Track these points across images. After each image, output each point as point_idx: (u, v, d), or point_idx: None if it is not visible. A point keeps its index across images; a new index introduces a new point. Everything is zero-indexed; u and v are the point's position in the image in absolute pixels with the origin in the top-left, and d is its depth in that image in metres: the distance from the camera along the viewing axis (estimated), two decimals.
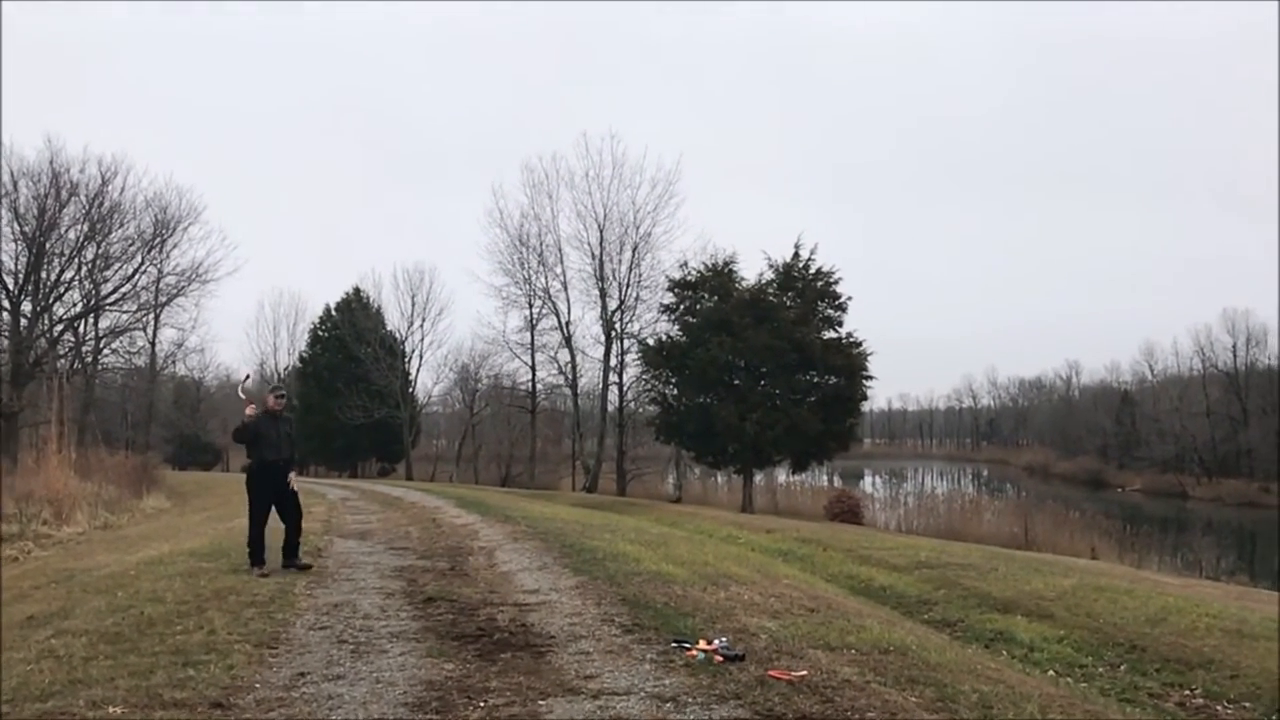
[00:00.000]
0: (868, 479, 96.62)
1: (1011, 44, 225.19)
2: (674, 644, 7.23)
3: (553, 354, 52.11)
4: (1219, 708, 7.02)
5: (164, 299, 50.23)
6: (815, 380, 38.77)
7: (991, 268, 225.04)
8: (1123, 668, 8.20)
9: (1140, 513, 72.44)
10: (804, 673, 6.58)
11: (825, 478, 66.64)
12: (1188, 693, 7.41)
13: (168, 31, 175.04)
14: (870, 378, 39.38)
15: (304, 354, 68.75)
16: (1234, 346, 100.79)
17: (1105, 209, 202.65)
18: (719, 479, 53.94)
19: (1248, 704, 7.02)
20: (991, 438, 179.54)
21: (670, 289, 41.50)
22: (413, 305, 62.10)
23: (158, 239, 46.41)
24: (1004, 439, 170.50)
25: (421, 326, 62.34)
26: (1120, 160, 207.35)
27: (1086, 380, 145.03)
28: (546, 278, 50.50)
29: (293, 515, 11.04)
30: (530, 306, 51.48)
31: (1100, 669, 8.22)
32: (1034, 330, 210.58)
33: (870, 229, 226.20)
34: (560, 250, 49.91)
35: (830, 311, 39.32)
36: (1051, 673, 8.09)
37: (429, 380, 65.74)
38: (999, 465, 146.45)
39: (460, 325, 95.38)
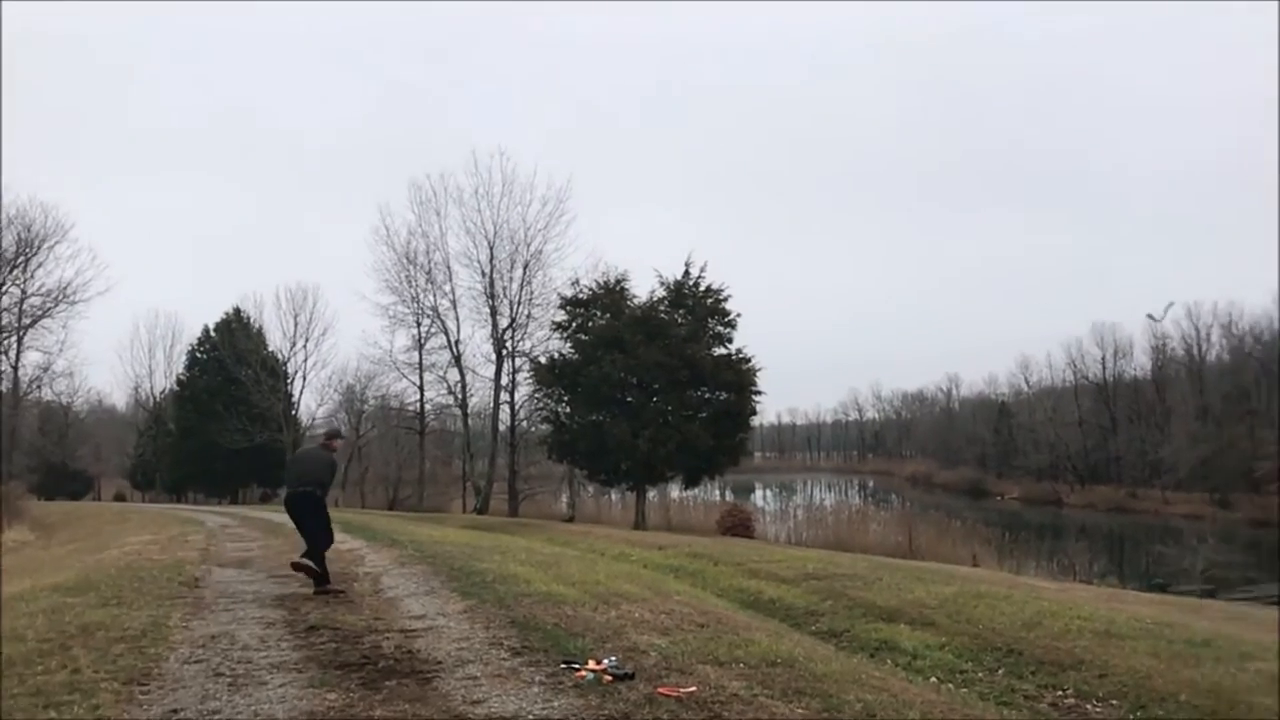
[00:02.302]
0: (759, 493, 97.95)
1: (902, 54, 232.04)
2: (563, 665, 7.19)
3: (442, 373, 51.43)
4: (1089, 706, 7.29)
5: (28, 320, 47.93)
6: (706, 396, 39.10)
7: (877, 283, 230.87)
8: (1000, 671, 8.45)
9: (1018, 520, 75.02)
10: (693, 689, 6.61)
11: (717, 492, 67.19)
12: (1060, 693, 7.68)
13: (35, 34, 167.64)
14: (760, 393, 39.95)
15: (181, 376, 66.47)
16: (1103, 359, 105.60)
17: (986, 225, 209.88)
18: (612, 497, 53.93)
19: (1115, 701, 7.31)
20: (877, 450, 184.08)
21: (562, 306, 41.42)
22: (295, 325, 60.58)
23: (20, 258, 44.29)
24: (889, 451, 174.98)
25: (305, 347, 60.88)
26: (1002, 177, 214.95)
27: (966, 393, 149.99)
28: (435, 296, 49.88)
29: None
30: (418, 325, 50.75)
31: (979, 674, 8.46)
32: (916, 344, 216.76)
33: (757, 244, 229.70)
34: (449, 268, 49.38)
35: (720, 328, 39.74)
36: (934, 679, 8.29)
37: (313, 402, 64.07)
38: (884, 476, 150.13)
39: (346, 345, 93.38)
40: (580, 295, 40.44)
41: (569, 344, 40.43)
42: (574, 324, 40.34)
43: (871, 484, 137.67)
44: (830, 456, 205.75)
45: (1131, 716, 6.99)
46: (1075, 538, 60.18)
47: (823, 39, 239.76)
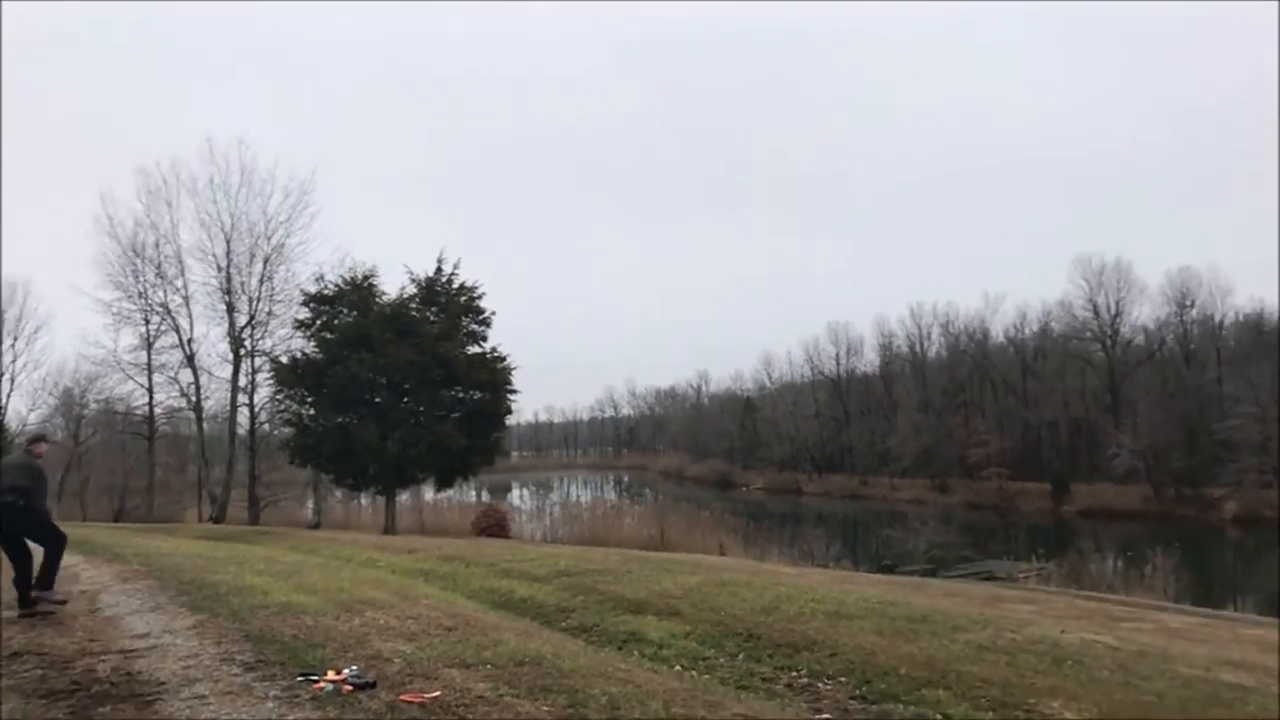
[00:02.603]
0: (516, 492, 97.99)
1: (645, 56, 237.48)
2: (300, 678, 6.86)
3: (173, 374, 47.97)
4: (820, 685, 7.68)
5: None
6: (460, 395, 38.63)
7: (632, 282, 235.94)
8: (740, 656, 8.76)
9: (762, 509, 78.86)
10: (437, 693, 6.48)
11: (473, 493, 66.69)
12: (795, 674, 8.04)
13: None
14: (515, 391, 39.90)
15: None
16: (837, 355, 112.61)
17: (734, 228, 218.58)
18: (362, 501, 52.37)
19: (843, 678, 7.74)
20: (632, 445, 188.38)
21: (305, 303, 39.70)
22: (2, 322, 54.94)
23: None
24: (643, 446, 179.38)
25: (14, 346, 55.28)
26: (746, 180, 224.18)
27: (715, 388, 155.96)
28: (165, 291, 46.53)
29: None
30: (146, 323, 47.14)
31: (721, 659, 8.73)
32: (669, 343, 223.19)
33: (515, 243, 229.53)
34: (181, 262, 46.20)
35: (474, 326, 39.37)
36: (678, 667, 8.48)
37: (23, 406, 58.34)
38: (639, 471, 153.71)
39: (62, 344, 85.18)
40: (325, 291, 38.93)
41: (313, 343, 38.83)
42: (319, 322, 38.79)
43: (627, 479, 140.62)
44: (587, 453, 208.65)
45: (857, 691, 7.40)
46: (813, 524, 63.82)
47: (570, 40, 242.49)
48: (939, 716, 6.59)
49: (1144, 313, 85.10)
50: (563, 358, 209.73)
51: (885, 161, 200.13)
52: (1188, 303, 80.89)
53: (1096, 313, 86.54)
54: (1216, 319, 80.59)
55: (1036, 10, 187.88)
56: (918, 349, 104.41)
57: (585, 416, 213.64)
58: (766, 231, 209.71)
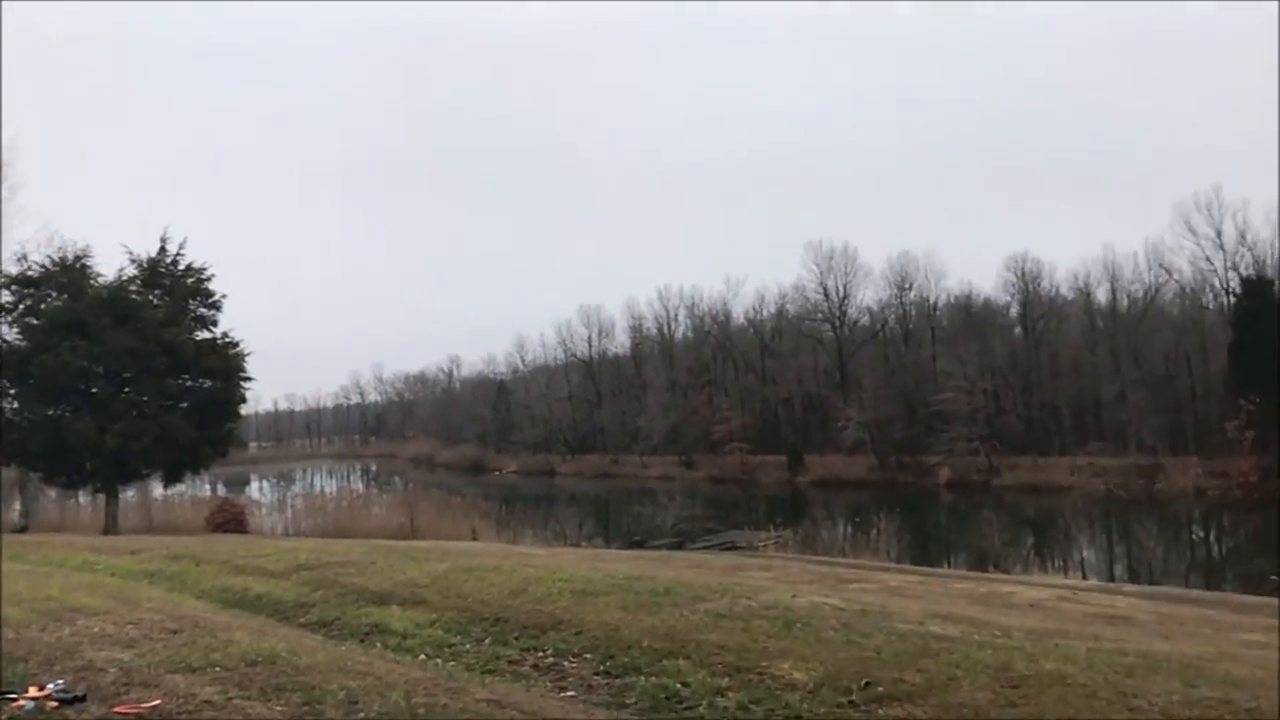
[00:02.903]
0: (254, 484, 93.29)
1: (389, 42, 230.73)
2: None
3: None
4: (565, 663, 7.73)
5: None
6: (189, 384, 36.33)
7: (377, 265, 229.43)
8: (487, 641, 8.68)
9: (516, 492, 79.04)
10: (157, 702, 6.09)
11: (208, 487, 62.96)
12: (541, 654, 8.05)
13: None
14: (250, 379, 37.98)
15: None
16: (589, 338, 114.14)
17: (483, 209, 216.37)
18: (80, 500, 48.23)
19: (588, 655, 7.82)
20: (380, 432, 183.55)
21: (6, 286, 35.93)
22: None
23: None
24: (392, 433, 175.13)
25: None
26: (498, 165, 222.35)
27: (466, 372, 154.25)
28: None
29: None
30: None
31: (467, 645, 8.62)
32: (419, 326, 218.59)
33: (244, 222, 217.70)
34: None
35: (204, 310, 37.10)
36: (422, 657, 8.31)
37: None
38: (388, 459, 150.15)
39: None
40: (30, 273, 35.38)
41: (16, 329, 35.22)
42: (22, 306, 35.25)
43: (374, 468, 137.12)
44: (332, 442, 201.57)
45: (602, 666, 7.50)
46: (566, 505, 64.62)
47: (316, 19, 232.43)
48: (678, 685, 6.76)
49: (869, 295, 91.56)
50: (305, 342, 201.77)
51: (632, 147, 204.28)
52: (907, 286, 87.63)
53: (827, 295, 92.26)
54: (931, 301, 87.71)
55: (777, 12, 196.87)
56: (665, 331, 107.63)
57: (330, 404, 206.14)
58: (516, 214, 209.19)
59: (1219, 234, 66.37)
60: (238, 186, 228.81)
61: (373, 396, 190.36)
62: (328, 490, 75.28)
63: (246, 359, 37.32)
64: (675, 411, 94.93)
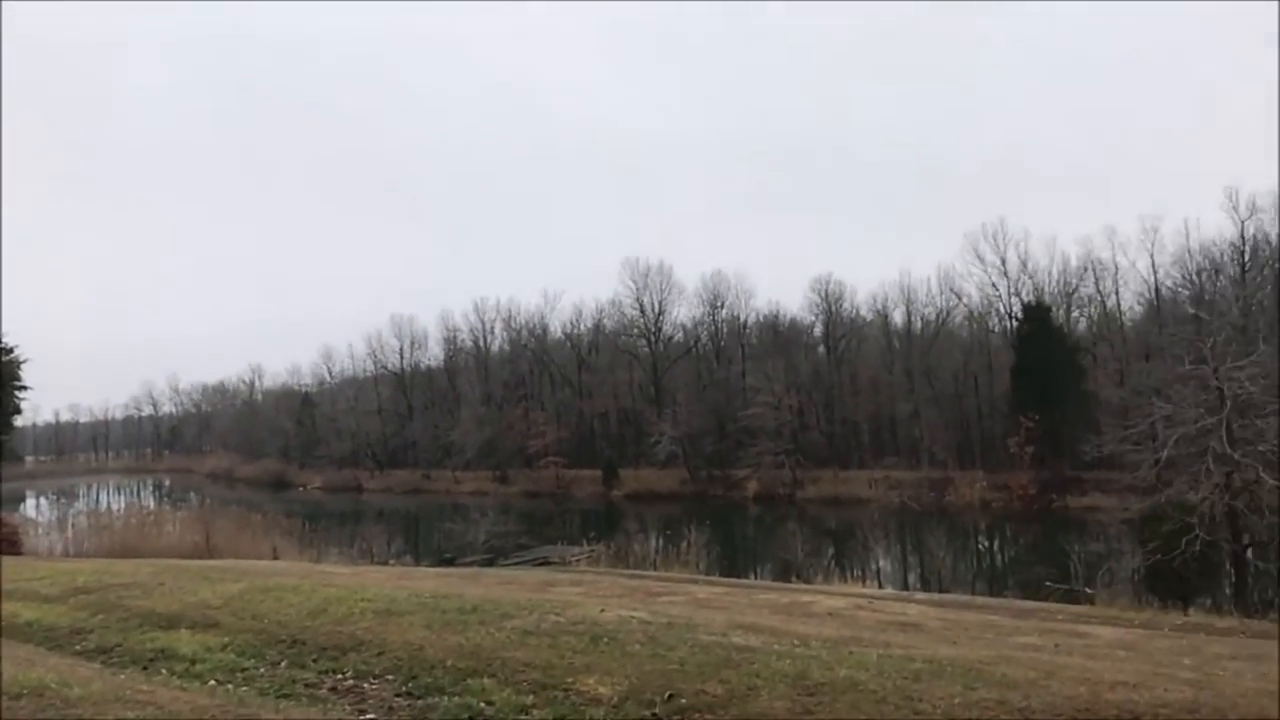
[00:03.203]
0: (31, 502, 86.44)
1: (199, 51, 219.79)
2: None
3: None
4: (366, 685, 7.47)
5: None
6: None
7: (174, 270, 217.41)
8: (283, 664, 8.30)
9: (322, 509, 76.39)
10: None
11: None
12: (340, 676, 7.76)
13: None
14: (25, 388, 35.25)
15: None
16: (401, 349, 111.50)
17: (286, 214, 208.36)
18: None
19: (390, 676, 7.59)
20: (174, 446, 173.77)
21: None
22: None
23: None
24: (188, 447, 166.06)
25: None
26: (296, 168, 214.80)
27: (270, 383, 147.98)
28: None
29: None
30: None
31: (262, 669, 8.21)
32: (218, 333, 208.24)
33: (27, 221, 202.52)
34: None
35: None
36: (212, 682, 7.86)
37: None
38: (183, 474, 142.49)
39: None
40: None
41: None
42: None
43: (168, 483, 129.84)
44: (121, 456, 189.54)
45: (404, 687, 7.29)
46: (374, 521, 62.89)
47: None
48: (482, 704, 6.65)
49: (683, 312, 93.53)
50: (93, 349, 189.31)
51: (449, 157, 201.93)
52: (719, 304, 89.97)
53: (643, 311, 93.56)
54: (742, 319, 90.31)
55: (606, 20, 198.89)
56: (481, 343, 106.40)
57: (119, 415, 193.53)
58: (324, 218, 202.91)
59: (1003, 262, 71.17)
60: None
61: (167, 408, 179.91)
62: (115, 507, 70.60)
63: (21, 366, 34.65)
64: (490, 425, 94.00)
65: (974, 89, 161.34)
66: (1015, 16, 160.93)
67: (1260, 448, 23.93)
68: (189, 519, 43.90)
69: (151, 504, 78.98)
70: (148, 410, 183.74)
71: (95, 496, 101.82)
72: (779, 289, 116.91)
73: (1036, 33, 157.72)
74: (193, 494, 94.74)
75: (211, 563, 22.94)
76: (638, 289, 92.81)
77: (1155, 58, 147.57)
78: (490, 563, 35.90)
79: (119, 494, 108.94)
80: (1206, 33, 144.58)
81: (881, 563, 48.28)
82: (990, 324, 76.67)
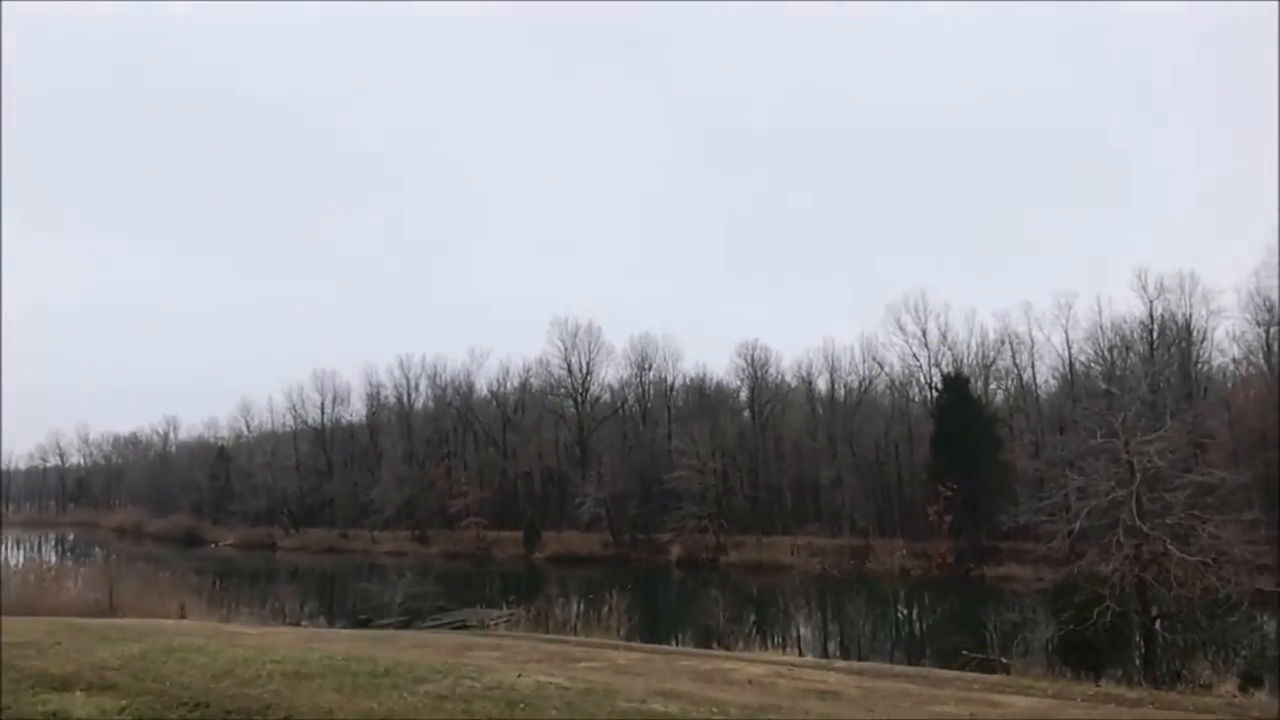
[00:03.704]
0: None
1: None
2: None
3: None
4: None
5: None
6: None
7: (83, 311, 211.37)
8: None
9: (233, 567, 74.09)
10: None
11: None
12: None
13: None
14: None
15: None
16: (322, 404, 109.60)
17: (201, 261, 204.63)
18: None
19: None
20: (80, 499, 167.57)
21: None
22: None
23: None
24: (94, 499, 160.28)
25: None
26: (216, 212, 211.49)
27: (185, 436, 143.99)
28: None
29: None
30: None
31: None
32: (132, 382, 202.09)
33: None
34: None
35: None
36: None
37: None
38: (88, 528, 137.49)
39: None
40: None
41: None
42: None
43: (72, 537, 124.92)
44: (22, 508, 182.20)
45: None
46: (288, 581, 61.20)
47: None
48: None
49: (610, 373, 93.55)
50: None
51: (375, 210, 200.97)
52: (646, 366, 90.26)
53: (570, 371, 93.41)
54: (669, 381, 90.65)
55: (535, 67, 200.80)
56: (405, 400, 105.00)
57: (22, 465, 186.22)
58: (243, 268, 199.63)
59: (924, 333, 72.79)
60: None
61: (75, 459, 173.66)
62: (13, 562, 67.64)
63: None
64: (411, 484, 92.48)
65: (898, 160, 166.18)
66: (944, 91, 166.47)
67: (1168, 520, 24.50)
68: (91, 575, 42.20)
69: (52, 559, 75.83)
70: (54, 461, 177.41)
71: None
72: (706, 352, 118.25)
73: (960, 107, 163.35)
74: (98, 549, 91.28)
75: (113, 621, 22.07)
76: (566, 349, 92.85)
77: (1065, 142, 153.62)
78: (406, 625, 35.00)
79: (18, 548, 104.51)
80: (1118, 116, 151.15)
81: (802, 629, 48.27)
82: (911, 393, 78.08)
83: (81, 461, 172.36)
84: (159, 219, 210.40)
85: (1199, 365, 63.86)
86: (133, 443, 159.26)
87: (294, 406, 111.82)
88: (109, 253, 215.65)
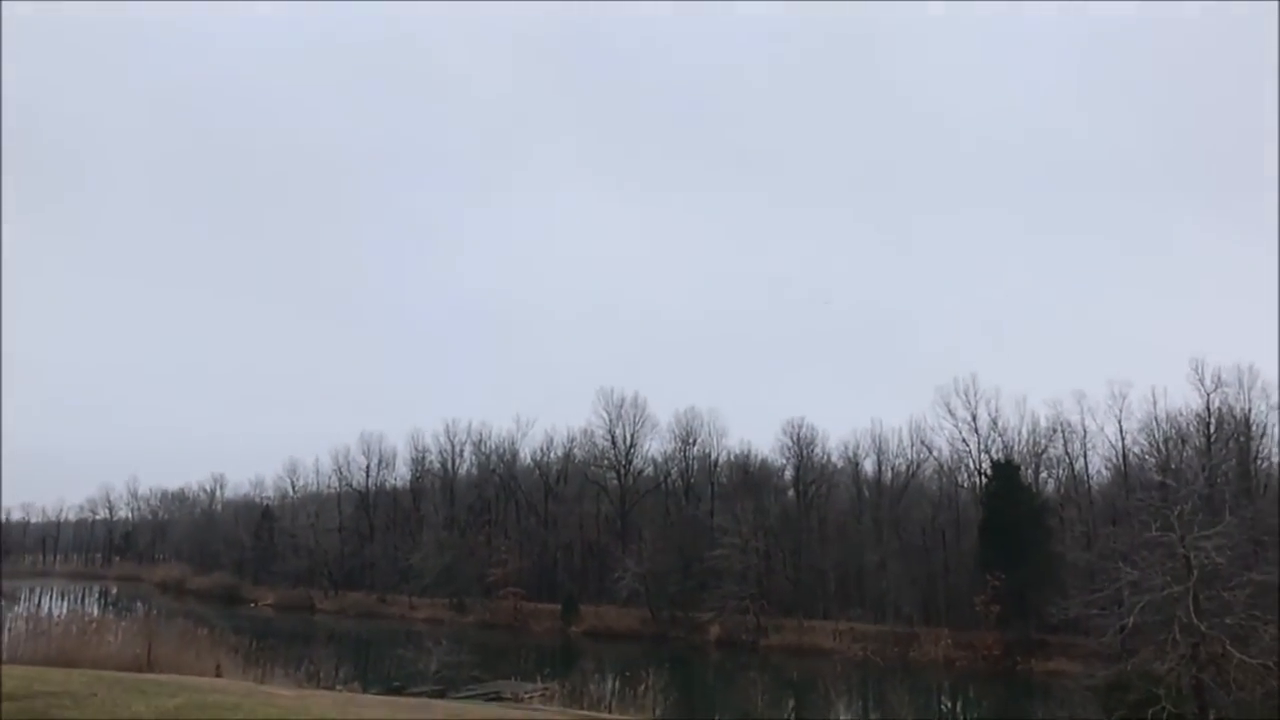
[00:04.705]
0: None
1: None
2: None
3: None
4: None
5: None
6: None
7: (139, 369, 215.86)
8: None
9: (270, 627, 74.10)
10: None
11: None
12: None
13: None
14: None
15: None
16: (368, 467, 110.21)
17: (265, 321, 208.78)
18: None
19: None
20: (126, 552, 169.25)
21: None
22: None
23: None
24: (139, 554, 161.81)
25: None
26: (282, 276, 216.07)
27: (231, 494, 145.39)
28: None
29: None
30: None
31: None
32: (183, 441, 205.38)
33: None
34: None
35: None
36: None
37: None
38: (132, 582, 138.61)
39: None
40: None
41: None
42: None
43: (115, 590, 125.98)
44: (70, 559, 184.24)
45: None
46: (325, 643, 61.03)
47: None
48: None
49: (654, 446, 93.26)
50: (49, 448, 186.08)
51: (430, 278, 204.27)
52: (690, 440, 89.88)
53: (614, 443, 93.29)
54: (713, 457, 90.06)
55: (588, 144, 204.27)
56: (449, 466, 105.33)
57: (72, 517, 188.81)
58: (299, 331, 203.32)
59: (974, 418, 71.87)
60: None
61: (123, 513, 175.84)
62: (56, 613, 68.22)
63: None
64: (451, 550, 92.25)
65: (953, 245, 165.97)
66: (998, 176, 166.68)
67: (1227, 620, 23.74)
68: (132, 629, 42.38)
69: (94, 611, 76.38)
70: (103, 514, 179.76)
71: (37, 600, 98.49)
72: (751, 429, 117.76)
73: (1014, 195, 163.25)
74: (139, 603, 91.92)
75: (150, 676, 22.03)
76: (610, 420, 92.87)
77: (1122, 236, 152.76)
78: (441, 694, 34.75)
79: (62, 599, 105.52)
80: (1174, 213, 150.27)
81: (844, 717, 47.00)
82: (960, 479, 76.86)
83: (129, 515, 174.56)
84: (229, 280, 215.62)
85: (1258, 461, 62.25)
86: (180, 498, 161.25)
87: (340, 468, 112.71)
88: (171, 308, 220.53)
